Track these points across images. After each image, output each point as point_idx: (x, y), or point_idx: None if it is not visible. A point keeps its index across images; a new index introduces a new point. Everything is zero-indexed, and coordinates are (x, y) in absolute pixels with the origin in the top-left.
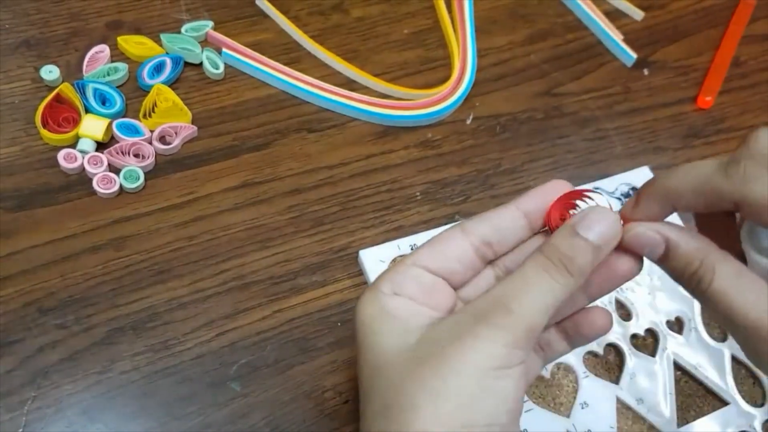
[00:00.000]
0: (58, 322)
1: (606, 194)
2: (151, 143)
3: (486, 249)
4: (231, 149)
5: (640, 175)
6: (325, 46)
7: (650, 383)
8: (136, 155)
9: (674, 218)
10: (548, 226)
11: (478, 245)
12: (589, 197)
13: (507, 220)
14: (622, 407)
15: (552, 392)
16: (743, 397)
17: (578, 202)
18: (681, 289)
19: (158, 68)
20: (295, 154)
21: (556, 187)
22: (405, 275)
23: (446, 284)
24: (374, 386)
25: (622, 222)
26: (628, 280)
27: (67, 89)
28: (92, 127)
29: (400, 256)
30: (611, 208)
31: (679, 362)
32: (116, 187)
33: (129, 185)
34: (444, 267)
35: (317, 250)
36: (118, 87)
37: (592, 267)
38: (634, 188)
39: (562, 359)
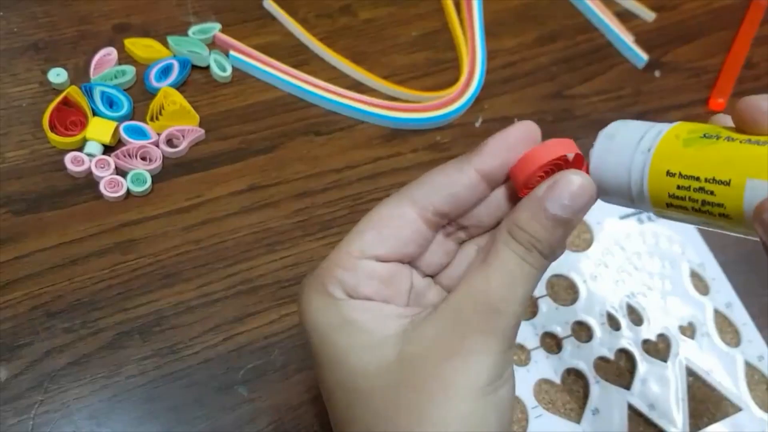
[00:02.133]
0: (65, 326)
1: None
2: (158, 146)
3: (440, 219)
4: (238, 152)
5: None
6: (332, 49)
7: (662, 389)
8: (144, 158)
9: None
10: (514, 187)
11: (431, 218)
12: (564, 159)
13: (464, 187)
14: (634, 413)
15: (562, 398)
16: (756, 403)
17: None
18: (693, 293)
19: (165, 71)
20: (303, 157)
21: (520, 137)
22: (357, 273)
23: (401, 266)
24: (355, 415)
25: (594, 184)
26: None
27: (74, 92)
28: (99, 130)
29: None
30: (583, 164)
31: (691, 368)
32: (123, 191)
33: (136, 188)
34: (398, 251)
35: (325, 253)
36: (125, 90)
37: (564, 242)
38: None
39: (572, 364)
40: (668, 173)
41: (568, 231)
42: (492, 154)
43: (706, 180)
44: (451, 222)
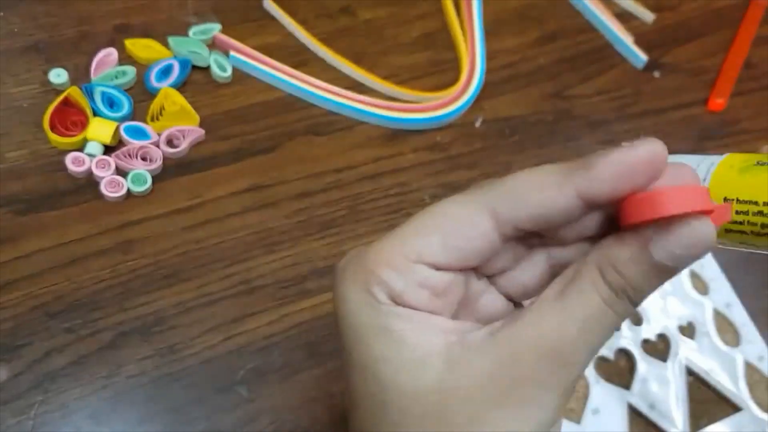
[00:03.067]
0: (65, 326)
1: None
2: (158, 146)
3: (518, 233)
4: (238, 152)
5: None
6: (332, 49)
7: (662, 389)
8: (144, 158)
9: None
10: (619, 216)
11: (508, 233)
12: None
13: (560, 210)
14: (634, 413)
15: None
16: (756, 403)
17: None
18: (693, 293)
19: (166, 71)
20: (303, 158)
21: (643, 164)
22: (407, 278)
23: (458, 275)
24: (376, 427)
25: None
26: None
27: (75, 93)
28: (100, 130)
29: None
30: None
31: (691, 368)
32: (124, 191)
33: (136, 189)
34: (460, 263)
35: (325, 253)
36: (125, 90)
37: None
38: None
39: None
40: (725, 200)
41: (667, 280)
42: (603, 180)
43: (764, 203)
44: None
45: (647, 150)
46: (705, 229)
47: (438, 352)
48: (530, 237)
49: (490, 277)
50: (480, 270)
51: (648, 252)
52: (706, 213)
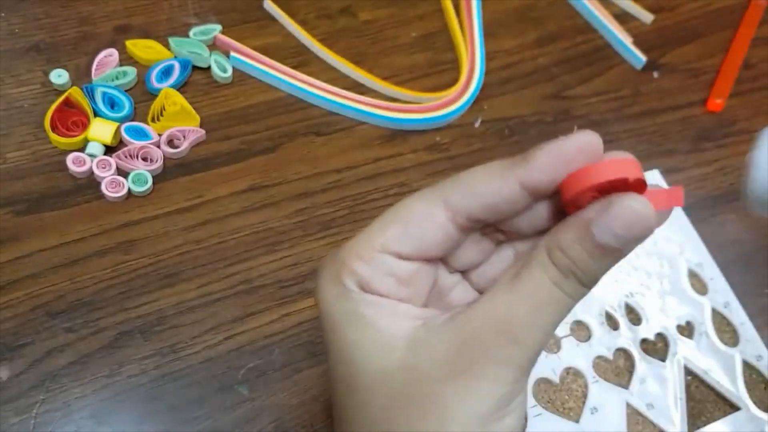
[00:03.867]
0: (66, 326)
1: None
2: (159, 147)
3: (474, 224)
4: (239, 153)
5: (650, 179)
6: (333, 50)
7: (660, 388)
8: (145, 159)
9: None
10: (565, 206)
11: (464, 224)
12: (621, 183)
13: (504, 199)
14: (632, 412)
15: (561, 397)
16: (754, 402)
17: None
18: (691, 293)
19: (166, 72)
20: (303, 158)
21: (577, 151)
22: (374, 267)
23: (424, 266)
24: (354, 414)
25: (654, 212)
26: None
27: (76, 93)
28: (101, 130)
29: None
30: (642, 185)
31: (689, 367)
32: (124, 191)
33: (137, 189)
34: (422, 252)
35: (325, 253)
36: (126, 91)
37: (610, 270)
38: None
39: (571, 364)
40: None
41: (615, 261)
42: (541, 168)
43: None
44: (489, 224)
45: (580, 139)
46: (641, 208)
47: (403, 336)
48: (494, 232)
49: (463, 273)
50: (449, 264)
51: (590, 232)
52: (638, 187)
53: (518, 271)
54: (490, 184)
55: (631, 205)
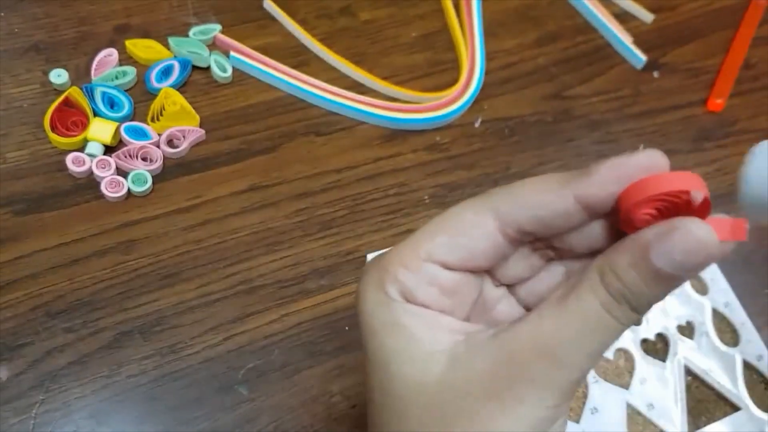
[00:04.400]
0: (66, 326)
1: None
2: (159, 147)
3: (524, 237)
4: (238, 153)
5: None
6: (332, 49)
7: (661, 388)
8: (144, 159)
9: None
10: (621, 222)
11: (513, 235)
12: (685, 196)
13: (558, 214)
14: (633, 413)
15: None
16: (755, 403)
17: (668, 199)
18: (692, 293)
19: (166, 72)
20: (303, 158)
21: (640, 169)
22: (417, 276)
23: (470, 277)
24: (388, 422)
25: (718, 240)
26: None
27: (75, 93)
28: (100, 130)
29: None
30: (706, 207)
31: (690, 367)
32: (124, 191)
33: (137, 189)
34: (468, 263)
35: (325, 253)
36: (126, 91)
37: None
38: None
39: None
40: None
41: (670, 289)
42: (600, 185)
43: None
44: (540, 238)
45: (645, 156)
46: (704, 234)
47: (443, 349)
48: (545, 248)
49: (510, 287)
50: (496, 276)
51: (648, 257)
52: (701, 212)
53: (567, 292)
54: (544, 197)
55: (693, 230)
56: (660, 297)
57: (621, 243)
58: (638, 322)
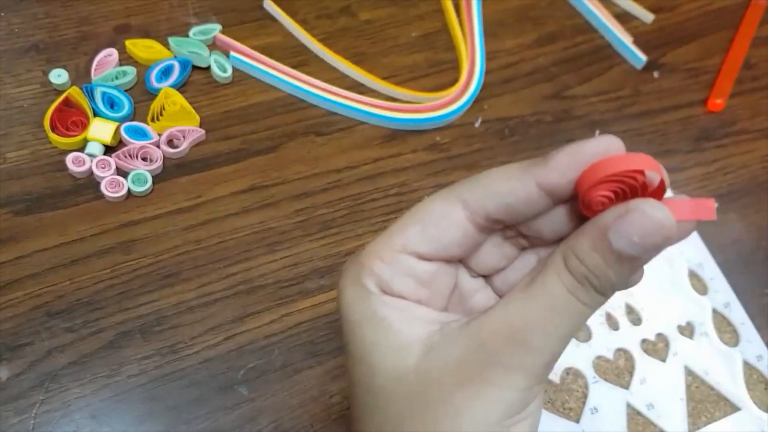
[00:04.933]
0: (66, 326)
1: None
2: (159, 147)
3: (493, 224)
4: (239, 153)
5: (651, 178)
6: (332, 50)
7: (661, 388)
8: (144, 159)
9: None
10: (580, 206)
11: (483, 223)
12: (639, 176)
13: (521, 200)
14: (633, 413)
15: (561, 397)
16: (755, 403)
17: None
18: (692, 293)
19: (166, 72)
20: (303, 158)
21: (596, 153)
22: (393, 268)
23: (444, 266)
24: (369, 414)
25: (674, 221)
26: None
27: (75, 93)
28: (100, 130)
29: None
30: (661, 189)
31: (690, 367)
32: (124, 191)
33: (137, 189)
34: (441, 252)
35: (325, 253)
36: (126, 90)
37: (630, 279)
38: None
39: (571, 364)
40: None
41: (636, 270)
42: (558, 169)
43: None
44: (510, 227)
45: (601, 142)
46: (660, 215)
47: (419, 339)
48: (517, 237)
49: (486, 278)
50: (471, 267)
51: (607, 240)
52: (658, 194)
53: (534, 278)
54: (508, 184)
55: (649, 211)
56: (623, 278)
57: (583, 227)
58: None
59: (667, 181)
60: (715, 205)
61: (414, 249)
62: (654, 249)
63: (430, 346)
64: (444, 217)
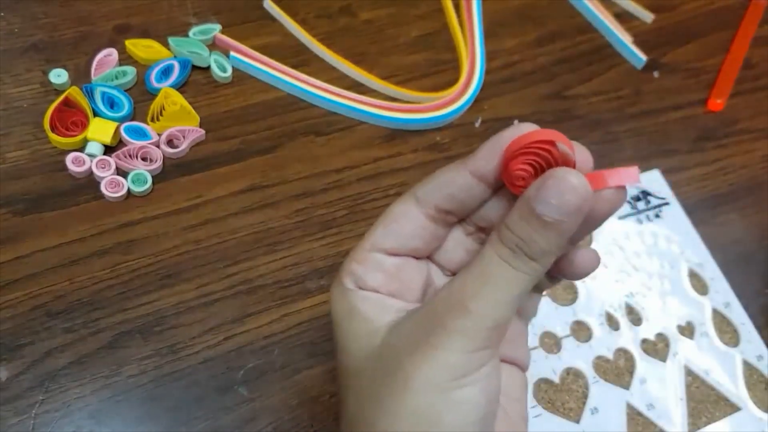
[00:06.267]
0: (65, 326)
1: None
2: (158, 147)
3: (446, 216)
4: (238, 152)
5: (651, 178)
6: (332, 49)
7: (661, 389)
8: (144, 159)
9: None
10: (507, 184)
11: (435, 215)
12: (551, 148)
13: (459, 188)
14: (633, 413)
15: (561, 397)
16: (755, 403)
17: (539, 152)
18: (692, 293)
19: (166, 72)
20: (303, 158)
21: (514, 135)
22: (365, 265)
23: (412, 261)
24: (345, 395)
25: (589, 184)
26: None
27: (75, 93)
28: (100, 130)
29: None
30: (573, 161)
31: (690, 367)
32: (124, 191)
33: (137, 189)
34: (404, 245)
35: (325, 253)
36: (126, 90)
37: (561, 245)
38: (644, 192)
39: (571, 364)
40: None
41: (562, 234)
42: (484, 157)
43: None
44: (465, 220)
45: (518, 128)
46: (572, 178)
47: (387, 324)
48: (477, 231)
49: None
50: (441, 264)
51: (531, 206)
52: (569, 160)
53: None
54: (447, 175)
55: (562, 174)
56: (554, 243)
57: (515, 204)
58: (541, 273)
59: (585, 155)
60: (638, 170)
61: (381, 246)
62: (574, 212)
63: (394, 326)
64: (402, 214)
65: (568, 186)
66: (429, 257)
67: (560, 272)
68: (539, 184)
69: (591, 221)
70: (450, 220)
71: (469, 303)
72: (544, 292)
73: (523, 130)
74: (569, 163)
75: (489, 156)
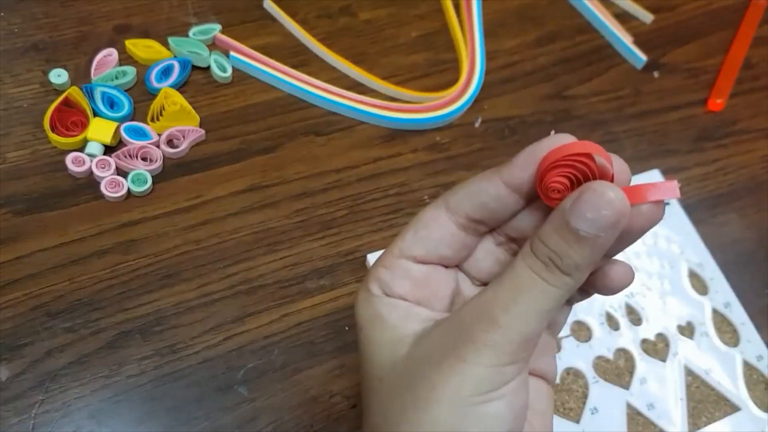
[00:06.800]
0: (66, 326)
1: None
2: (158, 147)
3: (476, 225)
4: (238, 152)
5: (651, 178)
6: (332, 49)
7: (661, 388)
8: (144, 159)
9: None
10: (541, 196)
11: (465, 224)
12: (588, 161)
13: (492, 198)
14: (633, 413)
15: (561, 397)
16: (755, 403)
17: (577, 165)
18: (692, 293)
19: (166, 72)
20: (303, 158)
21: (551, 146)
22: (393, 272)
23: (441, 269)
24: (369, 402)
25: (627, 198)
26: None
27: (75, 93)
28: (100, 130)
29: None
30: (611, 174)
31: (690, 367)
32: (124, 191)
33: (137, 189)
34: (432, 253)
35: (325, 253)
36: (126, 90)
37: (596, 260)
38: None
39: (571, 364)
40: None
41: (597, 249)
42: (519, 166)
43: None
44: (495, 230)
45: (555, 138)
46: (611, 193)
47: (413, 333)
48: (509, 242)
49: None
50: (470, 274)
51: (566, 220)
52: (608, 178)
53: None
54: (480, 184)
55: (599, 189)
56: (587, 257)
57: (549, 216)
58: (575, 287)
59: (623, 168)
60: (678, 185)
61: (409, 252)
62: (610, 227)
63: (421, 336)
64: (431, 220)
65: (604, 200)
66: (458, 266)
67: (593, 286)
68: (575, 197)
69: (628, 236)
70: (481, 230)
71: (499, 316)
72: None
73: (560, 141)
74: (607, 176)
75: (524, 166)
